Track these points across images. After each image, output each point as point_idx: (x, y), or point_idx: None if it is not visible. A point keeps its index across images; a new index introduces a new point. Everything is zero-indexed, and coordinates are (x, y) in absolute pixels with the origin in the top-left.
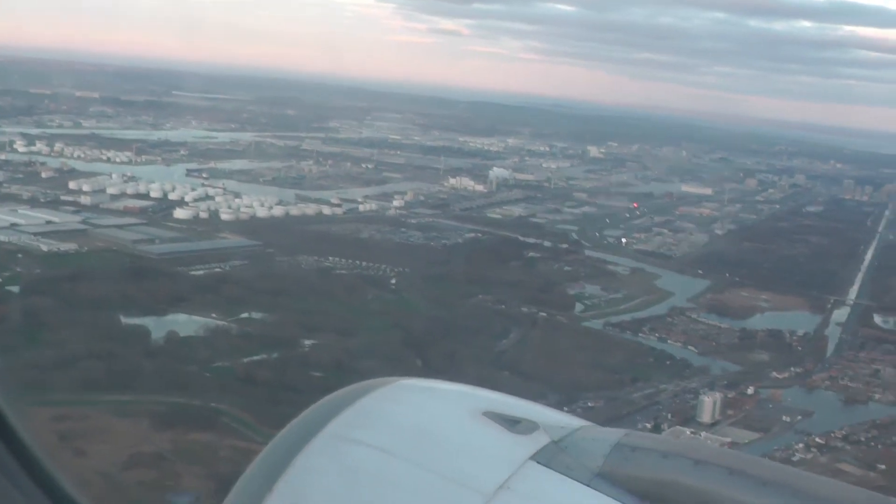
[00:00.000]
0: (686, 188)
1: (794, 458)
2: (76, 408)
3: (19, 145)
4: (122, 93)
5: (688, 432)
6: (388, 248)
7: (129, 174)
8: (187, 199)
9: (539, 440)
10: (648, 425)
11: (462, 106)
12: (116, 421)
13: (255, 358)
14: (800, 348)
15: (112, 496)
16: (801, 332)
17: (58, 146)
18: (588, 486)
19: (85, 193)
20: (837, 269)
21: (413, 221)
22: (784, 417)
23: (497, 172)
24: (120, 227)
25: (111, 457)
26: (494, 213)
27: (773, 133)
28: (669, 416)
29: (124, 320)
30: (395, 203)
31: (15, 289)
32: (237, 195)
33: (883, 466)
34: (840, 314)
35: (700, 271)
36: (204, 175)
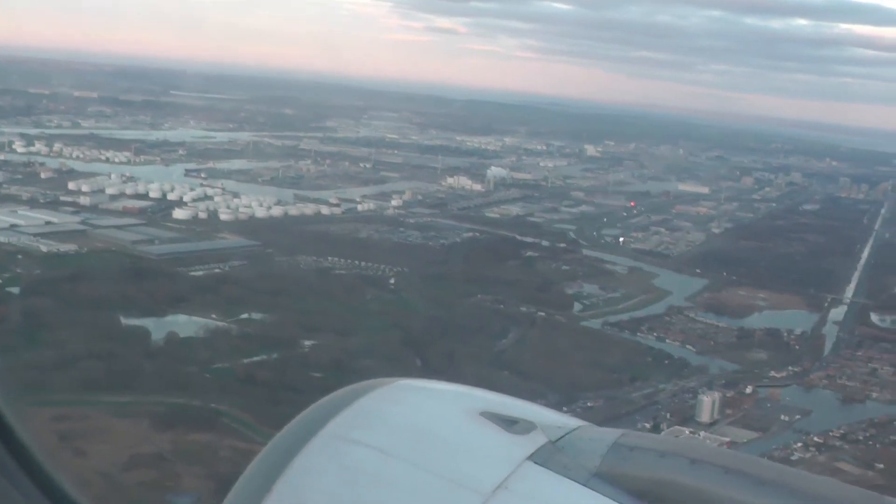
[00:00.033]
0: (683, 187)
1: (793, 458)
2: (76, 408)
3: (18, 146)
4: (121, 92)
5: (687, 432)
6: (386, 247)
7: (127, 174)
8: (186, 199)
9: (536, 440)
10: (648, 425)
11: (459, 104)
12: (116, 421)
13: (255, 358)
14: (797, 347)
15: (113, 496)
16: (798, 331)
17: (56, 146)
18: (585, 485)
19: (84, 194)
20: (834, 268)
21: (411, 221)
22: (782, 416)
23: (494, 172)
24: (119, 227)
25: (111, 457)
26: (492, 213)
27: (769, 131)
28: (668, 415)
29: (124, 321)
30: (394, 203)
31: (15, 289)
32: (236, 195)
33: (881, 465)
34: (837, 313)
35: (697, 270)
36: (202, 175)
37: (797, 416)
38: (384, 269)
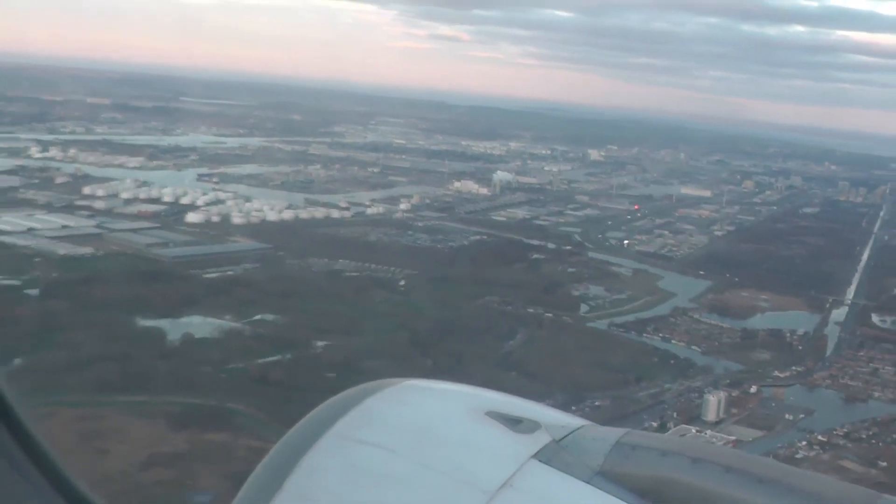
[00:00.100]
0: (685, 190)
1: (798, 456)
2: (94, 408)
3: (34, 151)
4: (132, 99)
5: (693, 430)
6: (395, 250)
7: (141, 179)
8: (199, 203)
9: (541, 439)
10: (654, 424)
11: (462, 110)
12: (134, 421)
13: (269, 359)
14: (800, 347)
15: (132, 495)
16: (800, 332)
17: (71, 152)
18: (589, 484)
19: (99, 198)
20: (835, 270)
21: (420, 224)
22: (787, 415)
23: (500, 176)
24: (134, 230)
25: (129, 457)
26: (499, 216)
27: (766, 135)
28: (675, 414)
29: (140, 322)
30: (402, 206)
31: (33, 292)
32: (247, 199)
33: (884, 463)
34: (838, 314)
35: (701, 272)
36: (214, 180)
37: (801, 415)
38: (393, 271)
